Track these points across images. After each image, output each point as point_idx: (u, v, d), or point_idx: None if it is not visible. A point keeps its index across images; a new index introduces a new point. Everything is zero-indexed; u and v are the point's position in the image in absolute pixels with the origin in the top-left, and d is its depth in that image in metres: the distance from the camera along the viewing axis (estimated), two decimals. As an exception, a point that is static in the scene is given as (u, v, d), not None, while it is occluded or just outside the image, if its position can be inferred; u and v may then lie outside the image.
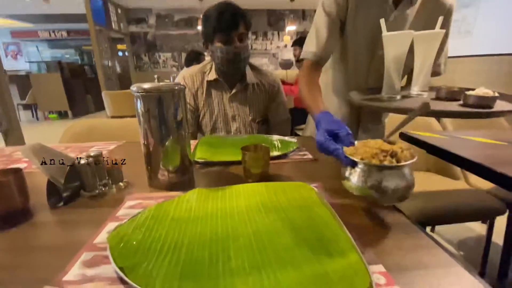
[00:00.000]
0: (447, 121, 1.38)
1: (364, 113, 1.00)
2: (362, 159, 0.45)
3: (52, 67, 6.10)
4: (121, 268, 0.35)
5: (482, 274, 1.26)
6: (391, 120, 1.10)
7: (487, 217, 1.14)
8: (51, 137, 4.17)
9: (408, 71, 0.89)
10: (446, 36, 0.84)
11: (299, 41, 2.78)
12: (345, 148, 0.50)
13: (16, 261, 0.40)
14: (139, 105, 0.57)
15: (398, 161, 0.43)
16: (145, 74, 6.00)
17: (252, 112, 1.09)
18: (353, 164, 0.46)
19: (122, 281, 0.35)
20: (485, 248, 1.24)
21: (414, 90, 0.83)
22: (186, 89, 1.04)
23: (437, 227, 1.64)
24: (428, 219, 1.06)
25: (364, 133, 1.01)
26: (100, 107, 5.50)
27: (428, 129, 1.37)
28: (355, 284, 0.33)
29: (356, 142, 0.52)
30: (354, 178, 0.46)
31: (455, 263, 0.37)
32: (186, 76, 1.07)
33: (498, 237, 1.23)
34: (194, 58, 2.63)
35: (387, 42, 0.76)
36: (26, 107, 5.91)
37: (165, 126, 0.59)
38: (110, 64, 4.95)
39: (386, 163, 0.43)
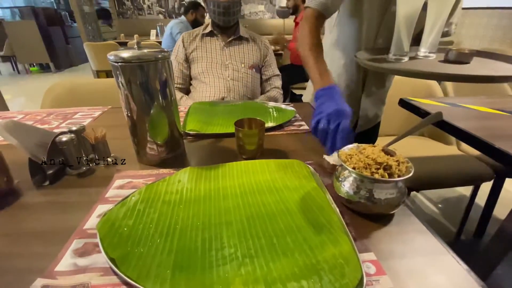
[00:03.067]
0: (448, 84, 1.34)
1: (370, 75, 0.93)
2: (354, 168, 0.42)
3: (25, 14, 5.51)
4: (112, 260, 0.35)
5: (460, 231, 1.36)
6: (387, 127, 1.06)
7: (475, 182, 1.18)
8: (34, 93, 3.98)
9: (417, 31, 0.81)
10: None
11: None
12: (340, 152, 0.47)
13: (7, 249, 0.40)
14: (119, 76, 0.52)
15: (391, 175, 0.41)
16: (128, 21, 5.49)
17: (244, 61, 1.19)
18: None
19: (115, 271, 0.35)
20: (467, 208, 1.32)
21: (422, 51, 0.77)
22: (182, 48, 1.15)
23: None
24: (417, 185, 1.09)
25: (367, 97, 0.96)
26: (83, 58, 5.16)
27: (428, 93, 1.33)
28: (346, 275, 0.33)
29: (353, 146, 0.49)
30: (345, 184, 0.44)
31: (446, 251, 0.38)
32: (185, 36, 1.18)
33: (480, 199, 1.29)
34: (191, 7, 2.63)
35: None
36: (5, 59, 5.49)
37: (150, 98, 0.54)
38: (89, 10, 4.48)
39: (376, 176, 0.40)
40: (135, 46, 0.53)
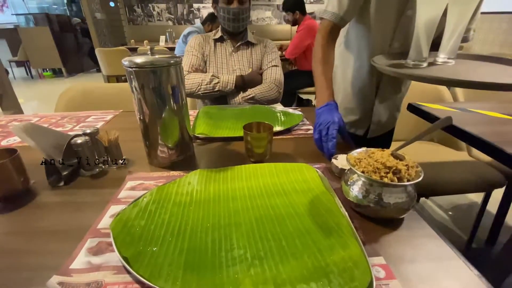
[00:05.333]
0: (458, 89, 1.32)
1: (385, 80, 0.92)
2: (363, 172, 0.42)
3: (40, 20, 5.69)
4: (125, 258, 0.36)
5: (470, 239, 1.33)
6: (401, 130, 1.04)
7: (486, 189, 1.15)
8: (47, 98, 4.09)
9: (437, 35, 0.80)
10: None
11: (290, 5, 2.47)
12: (349, 156, 0.47)
13: (23, 246, 0.41)
14: (133, 81, 0.53)
15: (400, 179, 0.41)
16: (138, 28, 5.62)
17: (252, 66, 1.20)
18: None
19: (127, 270, 0.35)
20: (478, 215, 1.29)
21: (440, 57, 0.74)
22: (198, 45, 1.17)
23: (433, 193, 1.69)
24: (426, 191, 1.08)
25: (381, 102, 0.95)
26: (95, 63, 5.29)
27: (437, 98, 1.32)
28: (356, 278, 0.33)
29: (362, 150, 0.49)
30: (354, 188, 0.44)
31: (457, 257, 0.38)
32: (197, 37, 1.22)
33: (492, 206, 1.27)
34: (209, 19, 2.92)
35: (421, 1, 0.67)
36: (19, 64, 5.67)
37: (162, 102, 0.56)
38: (101, 16, 4.60)
39: (386, 180, 0.40)
40: (148, 52, 0.55)
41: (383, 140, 1.04)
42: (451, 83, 0.65)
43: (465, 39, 0.82)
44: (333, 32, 0.78)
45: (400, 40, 0.83)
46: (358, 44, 0.89)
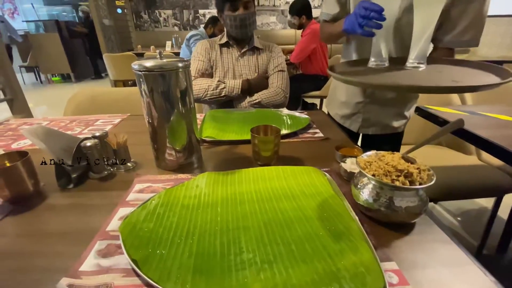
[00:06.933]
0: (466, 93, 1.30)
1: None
2: (374, 175, 0.42)
3: (49, 27, 5.82)
4: (134, 261, 0.36)
5: (481, 246, 1.30)
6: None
7: (497, 194, 1.13)
8: (56, 102, 4.15)
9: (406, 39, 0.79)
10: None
11: (297, 9, 2.48)
12: (358, 159, 0.46)
13: (33, 248, 0.41)
14: (142, 84, 0.54)
15: (412, 183, 0.40)
16: (145, 33, 5.71)
17: (257, 71, 1.20)
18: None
19: (136, 272, 0.35)
20: (489, 221, 1.26)
21: (410, 62, 0.72)
22: (204, 51, 1.19)
23: (441, 198, 1.66)
24: (435, 196, 1.06)
25: (371, 101, 0.94)
26: (102, 69, 5.38)
27: (445, 101, 1.30)
28: (368, 284, 0.33)
29: (372, 153, 0.48)
30: (364, 192, 0.43)
31: (470, 261, 0.37)
32: (204, 42, 1.23)
33: (503, 212, 1.24)
34: (210, 22, 2.95)
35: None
36: (29, 69, 5.79)
37: (170, 106, 0.56)
38: (109, 23, 4.69)
39: (397, 183, 0.40)
40: (157, 56, 0.55)
41: (388, 141, 1.02)
42: (395, 89, 0.64)
43: (467, 44, 0.79)
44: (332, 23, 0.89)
45: (394, 44, 0.83)
46: (350, 43, 0.94)
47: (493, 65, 0.66)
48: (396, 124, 0.98)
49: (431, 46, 0.85)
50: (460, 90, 0.59)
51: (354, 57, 0.93)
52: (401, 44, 0.82)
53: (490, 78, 0.61)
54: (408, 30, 0.69)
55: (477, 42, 0.77)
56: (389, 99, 0.95)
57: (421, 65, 0.70)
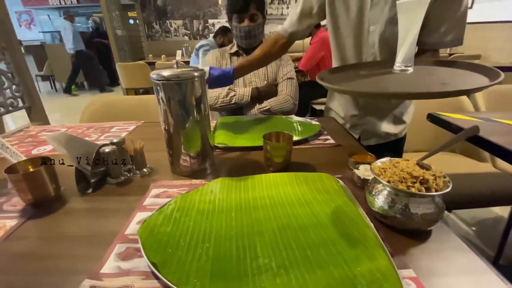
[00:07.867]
0: (479, 99, 1.29)
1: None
2: (389, 182, 0.42)
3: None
4: (153, 264, 0.37)
5: (498, 256, 1.26)
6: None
7: (512, 202, 1.10)
8: (70, 109, 4.26)
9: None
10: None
11: None
12: (373, 166, 0.46)
13: (55, 250, 0.43)
14: (160, 93, 0.56)
15: (428, 190, 0.40)
16: (156, 43, 5.86)
17: (266, 79, 1.22)
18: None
19: (155, 275, 0.36)
20: (505, 231, 1.22)
21: (397, 65, 0.71)
22: (215, 60, 1.24)
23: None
24: (449, 205, 1.04)
25: (367, 112, 0.94)
26: (114, 78, 5.52)
27: (457, 108, 1.29)
28: (385, 290, 0.33)
29: (385, 159, 0.48)
30: (379, 198, 0.43)
31: (489, 270, 0.36)
32: (215, 52, 1.28)
33: (521, 221, 1.20)
34: (220, 32, 2.94)
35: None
36: (44, 78, 6.01)
37: (186, 113, 0.58)
38: (121, 33, 4.83)
39: (413, 190, 0.40)
40: (174, 66, 0.57)
41: (391, 148, 1.01)
42: (377, 96, 0.63)
43: (450, 44, 0.78)
44: (277, 42, 0.95)
45: (373, 54, 0.84)
46: (340, 49, 0.95)
47: (481, 65, 0.65)
48: (396, 130, 0.97)
49: (416, 48, 0.85)
50: (455, 94, 0.58)
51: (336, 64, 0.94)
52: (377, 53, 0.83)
53: (480, 79, 0.60)
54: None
55: (461, 41, 0.76)
56: (384, 108, 0.95)
57: (408, 68, 0.70)
